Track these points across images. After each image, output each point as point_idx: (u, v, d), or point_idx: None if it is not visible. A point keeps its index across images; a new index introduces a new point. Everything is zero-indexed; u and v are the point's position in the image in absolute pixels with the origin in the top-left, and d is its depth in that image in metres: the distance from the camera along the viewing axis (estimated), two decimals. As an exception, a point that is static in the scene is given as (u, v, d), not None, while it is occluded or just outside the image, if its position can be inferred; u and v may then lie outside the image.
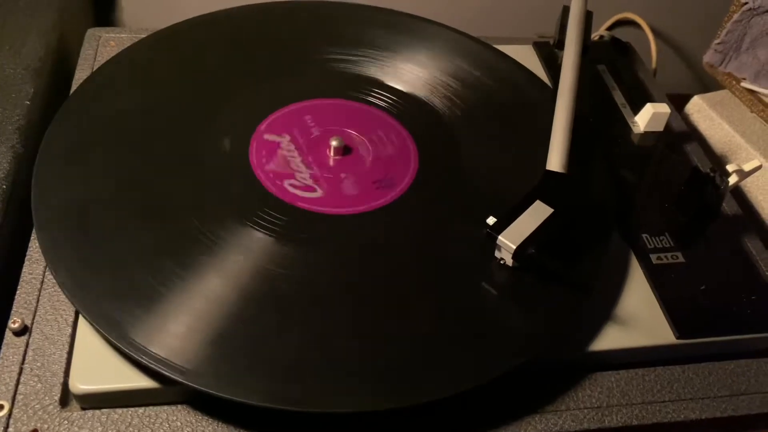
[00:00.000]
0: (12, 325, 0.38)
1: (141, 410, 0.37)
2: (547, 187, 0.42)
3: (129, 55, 0.51)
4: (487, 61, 0.55)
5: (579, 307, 0.40)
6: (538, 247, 0.39)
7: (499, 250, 0.40)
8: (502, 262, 0.40)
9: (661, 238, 0.47)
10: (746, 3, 0.61)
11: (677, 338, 0.41)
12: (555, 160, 0.44)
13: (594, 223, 0.44)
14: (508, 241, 0.39)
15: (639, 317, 0.42)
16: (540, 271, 0.40)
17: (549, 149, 0.45)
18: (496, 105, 0.52)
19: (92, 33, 0.57)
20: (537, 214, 0.40)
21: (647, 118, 0.53)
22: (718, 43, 0.64)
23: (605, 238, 0.44)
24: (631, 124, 0.54)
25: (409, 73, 0.53)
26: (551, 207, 0.41)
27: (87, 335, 0.38)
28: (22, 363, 0.37)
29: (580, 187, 0.46)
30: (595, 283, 0.41)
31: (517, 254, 0.39)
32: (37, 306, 0.40)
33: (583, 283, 0.40)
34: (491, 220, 0.40)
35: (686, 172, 0.48)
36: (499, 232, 0.40)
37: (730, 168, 0.46)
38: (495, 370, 0.37)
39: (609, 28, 0.75)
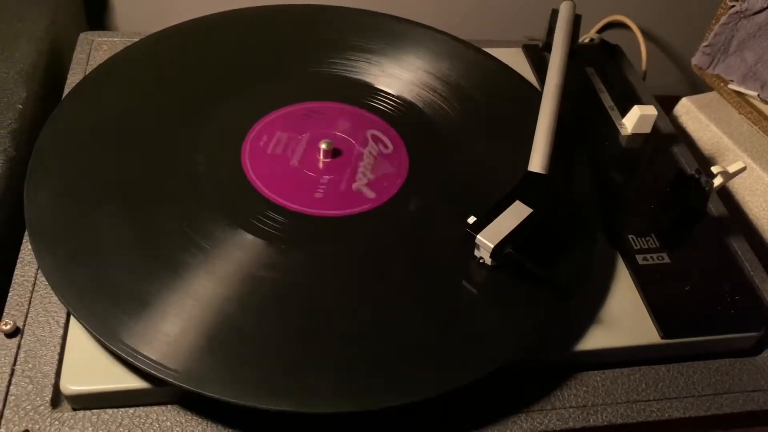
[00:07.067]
0: (4, 327, 0.38)
1: (131, 410, 0.37)
2: (527, 187, 0.43)
3: (121, 59, 0.51)
4: (476, 63, 0.55)
5: (564, 307, 0.41)
6: (515, 246, 0.40)
7: (478, 249, 0.41)
8: (481, 261, 0.41)
9: (647, 239, 0.47)
10: (733, 6, 0.62)
11: (662, 338, 0.42)
12: (536, 162, 0.45)
13: (578, 224, 0.45)
14: (486, 240, 0.40)
15: (624, 317, 0.43)
16: (519, 271, 0.40)
17: (531, 150, 0.45)
18: (484, 107, 0.52)
19: (84, 37, 0.58)
20: (516, 214, 0.41)
21: (634, 120, 0.54)
22: (706, 46, 0.64)
23: (590, 239, 0.44)
24: (618, 126, 0.55)
25: (398, 76, 0.54)
26: (531, 207, 0.41)
27: (78, 337, 0.38)
28: (14, 364, 0.38)
29: (560, 189, 0.46)
30: (578, 283, 0.42)
31: (494, 253, 0.40)
32: (28, 308, 0.40)
33: (566, 283, 0.41)
34: (471, 219, 0.41)
35: (672, 173, 0.49)
36: (478, 231, 0.40)
37: (714, 170, 0.46)
38: (481, 370, 0.37)
39: (599, 31, 0.76)
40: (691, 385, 0.42)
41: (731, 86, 0.64)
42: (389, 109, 0.51)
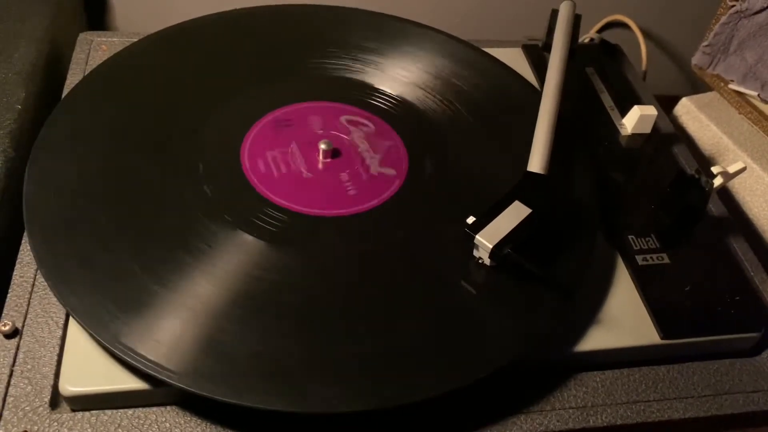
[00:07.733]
0: (2, 328, 0.38)
1: (130, 411, 0.37)
2: (527, 187, 0.43)
3: (120, 60, 0.51)
4: (476, 63, 0.55)
5: (563, 308, 0.41)
6: (514, 247, 0.39)
7: (477, 250, 0.41)
8: (480, 261, 0.41)
9: (647, 239, 0.47)
10: (733, 5, 0.62)
11: (662, 338, 0.42)
12: (535, 162, 0.44)
13: (578, 224, 0.45)
14: (485, 241, 0.40)
15: (624, 318, 0.43)
16: (518, 272, 0.40)
17: (531, 151, 0.45)
18: (484, 107, 0.52)
19: (84, 37, 0.58)
20: (515, 214, 0.41)
21: (634, 120, 0.54)
22: (706, 45, 0.64)
23: (589, 239, 0.44)
24: (618, 126, 0.55)
25: (398, 76, 0.54)
26: (530, 208, 0.41)
27: (77, 337, 0.38)
28: (13, 365, 0.38)
29: (559, 189, 0.46)
30: (577, 284, 0.42)
31: (493, 254, 0.40)
32: (27, 309, 0.40)
33: (565, 284, 0.41)
34: (470, 220, 0.41)
35: (672, 173, 0.49)
36: (477, 232, 0.40)
37: (714, 170, 0.46)
38: (480, 371, 0.37)
39: (599, 31, 0.76)
40: (690, 385, 0.42)
41: (731, 86, 0.64)
42: (389, 109, 0.51)
